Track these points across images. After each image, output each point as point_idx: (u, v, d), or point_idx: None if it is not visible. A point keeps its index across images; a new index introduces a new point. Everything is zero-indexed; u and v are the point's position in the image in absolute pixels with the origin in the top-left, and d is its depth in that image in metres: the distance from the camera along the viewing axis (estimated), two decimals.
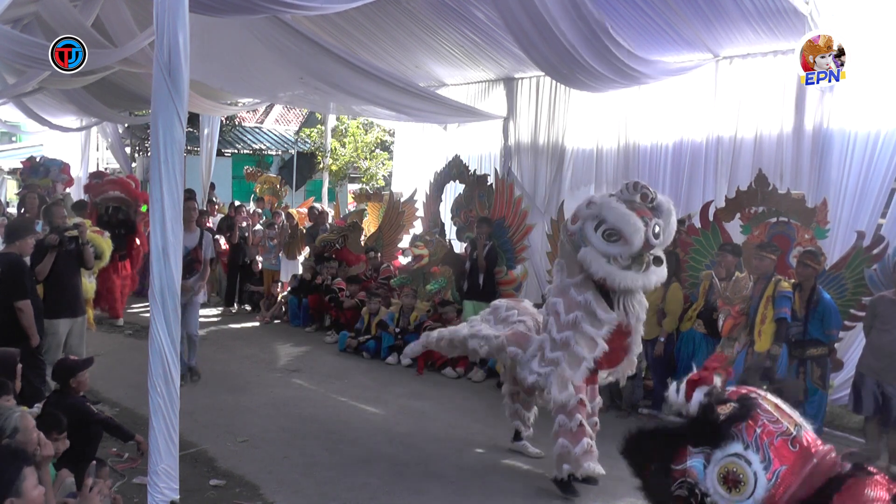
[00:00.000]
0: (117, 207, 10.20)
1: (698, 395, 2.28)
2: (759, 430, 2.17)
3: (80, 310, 6.71)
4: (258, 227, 11.88)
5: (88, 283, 7.67)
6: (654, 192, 4.75)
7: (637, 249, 4.56)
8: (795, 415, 2.26)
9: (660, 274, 4.79)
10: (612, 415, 6.50)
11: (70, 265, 6.59)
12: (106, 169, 19.96)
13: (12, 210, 13.27)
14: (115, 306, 9.95)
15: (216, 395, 7.07)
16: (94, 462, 4.12)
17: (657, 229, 4.62)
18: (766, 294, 5.87)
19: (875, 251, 6.09)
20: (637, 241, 4.53)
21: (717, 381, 2.28)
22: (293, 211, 12.66)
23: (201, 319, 10.67)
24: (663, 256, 4.84)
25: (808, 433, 2.21)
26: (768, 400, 2.28)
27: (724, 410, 2.22)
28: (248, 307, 11.59)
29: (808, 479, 2.12)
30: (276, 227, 11.51)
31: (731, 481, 2.16)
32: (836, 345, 6.03)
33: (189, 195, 11.68)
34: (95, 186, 10.47)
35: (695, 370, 2.41)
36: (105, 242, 7.89)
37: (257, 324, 10.68)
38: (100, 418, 4.72)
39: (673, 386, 2.40)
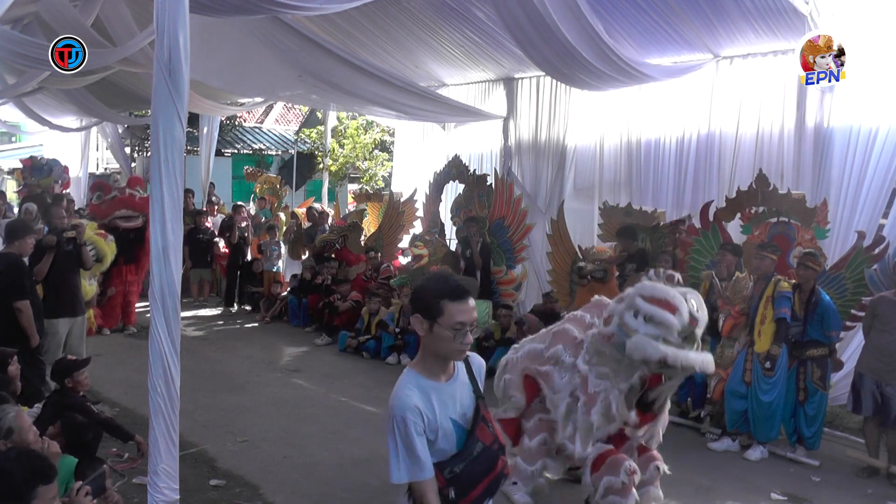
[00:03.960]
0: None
1: None
2: None
3: (79, 309, 6.72)
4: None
5: (89, 287, 7.63)
6: (679, 277, 4.56)
7: (685, 323, 4.25)
8: None
9: (710, 359, 4.44)
10: None
11: (69, 265, 6.60)
12: (106, 170, 20.00)
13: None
14: (128, 311, 9.74)
15: (216, 395, 7.07)
16: (105, 466, 4.12)
17: (694, 303, 4.35)
18: (766, 294, 5.87)
19: (875, 251, 6.09)
20: (684, 311, 4.23)
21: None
22: (297, 210, 12.66)
23: (201, 320, 10.76)
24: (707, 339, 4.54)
25: None
26: None
27: None
28: (248, 307, 11.59)
29: None
30: (275, 230, 11.54)
31: None
32: (836, 345, 6.04)
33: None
34: (100, 210, 9.60)
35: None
36: (108, 246, 7.79)
37: (257, 324, 10.67)
38: (100, 418, 4.73)
39: None
